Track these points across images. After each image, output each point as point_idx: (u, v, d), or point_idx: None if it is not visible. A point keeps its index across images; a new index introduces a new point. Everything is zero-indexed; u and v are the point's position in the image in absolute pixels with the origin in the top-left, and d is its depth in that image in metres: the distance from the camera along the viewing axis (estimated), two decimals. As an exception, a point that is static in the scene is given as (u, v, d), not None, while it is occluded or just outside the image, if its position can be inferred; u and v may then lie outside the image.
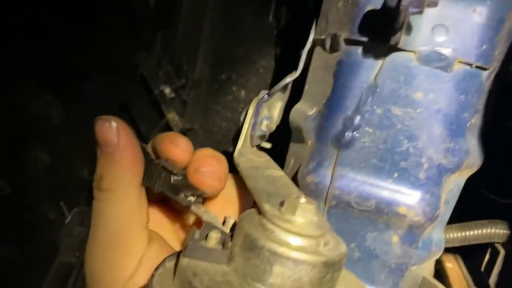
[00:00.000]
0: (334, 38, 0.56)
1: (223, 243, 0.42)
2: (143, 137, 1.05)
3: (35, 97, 0.93)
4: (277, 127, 0.72)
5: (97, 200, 0.50)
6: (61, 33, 0.92)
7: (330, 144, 0.56)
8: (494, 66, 0.53)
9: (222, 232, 0.44)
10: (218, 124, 1.11)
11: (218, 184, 0.52)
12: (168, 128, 1.02)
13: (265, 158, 0.63)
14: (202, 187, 0.52)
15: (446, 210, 0.60)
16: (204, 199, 0.53)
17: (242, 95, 1.09)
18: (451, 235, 0.83)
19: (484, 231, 0.82)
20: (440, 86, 0.52)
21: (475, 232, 0.82)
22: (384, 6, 0.46)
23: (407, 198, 0.54)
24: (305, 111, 0.61)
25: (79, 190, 0.89)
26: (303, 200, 0.41)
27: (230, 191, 0.56)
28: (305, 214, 0.41)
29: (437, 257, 0.62)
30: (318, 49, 0.63)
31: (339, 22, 0.56)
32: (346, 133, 0.55)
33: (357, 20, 0.53)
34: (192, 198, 0.51)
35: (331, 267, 0.39)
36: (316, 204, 0.43)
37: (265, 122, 0.63)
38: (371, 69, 0.54)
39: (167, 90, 1.02)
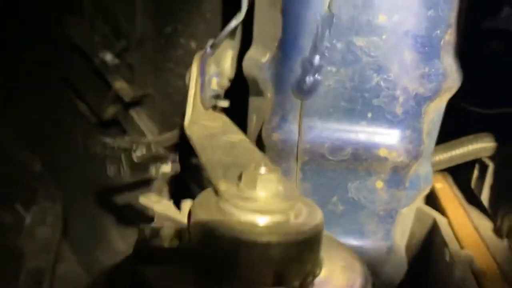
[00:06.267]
0: (274, -33, 0.47)
1: (180, 237, 0.36)
2: (94, 111, 0.96)
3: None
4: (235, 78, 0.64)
5: None
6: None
7: (292, 93, 0.49)
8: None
9: (177, 223, 0.37)
10: (174, 84, 1.02)
11: None
12: (118, 98, 0.93)
13: (222, 120, 0.55)
14: None
15: (429, 142, 0.54)
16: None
17: (192, 46, 0.99)
18: (436, 158, 0.79)
19: (471, 147, 0.77)
20: (404, 3, 0.44)
21: (461, 150, 0.78)
22: None
23: (386, 138, 0.48)
24: (258, 59, 0.53)
25: (35, 186, 0.81)
26: (262, 170, 0.35)
27: None
28: (267, 186, 0.34)
29: (427, 191, 0.57)
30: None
31: None
32: (307, 78, 0.47)
33: None
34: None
35: (308, 241, 0.33)
36: (278, 172, 0.36)
37: (214, 80, 0.55)
38: (323, -3, 0.45)
39: (108, 57, 0.91)
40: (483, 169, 0.80)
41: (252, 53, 0.56)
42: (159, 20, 0.98)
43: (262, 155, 0.44)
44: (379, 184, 0.50)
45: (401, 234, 0.55)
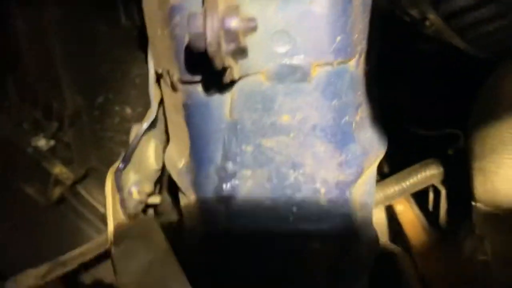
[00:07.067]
0: (169, 76, 0.45)
1: None
2: (35, 202, 0.92)
3: None
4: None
5: None
6: None
7: (213, 199, 0.47)
8: (360, 49, 0.43)
9: None
10: (117, 152, 0.99)
11: None
12: (60, 183, 0.89)
13: (150, 231, 0.52)
14: None
15: (367, 211, 0.53)
16: None
17: (128, 112, 0.96)
18: (388, 192, 0.78)
19: (419, 176, 0.76)
20: (305, 100, 0.42)
21: (411, 180, 0.77)
22: (197, 51, 0.34)
23: (316, 230, 0.46)
24: (176, 162, 0.51)
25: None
26: None
27: None
28: None
29: (375, 255, 0.56)
30: (164, 83, 0.51)
31: (167, 57, 0.44)
32: (224, 186, 0.45)
33: (181, 56, 0.41)
34: None
35: None
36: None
37: (135, 190, 0.53)
38: (222, 106, 0.43)
39: (41, 142, 0.87)
40: (437, 193, 0.79)
41: (171, 152, 0.53)
42: (89, 92, 0.95)
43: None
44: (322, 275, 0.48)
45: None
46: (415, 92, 0.87)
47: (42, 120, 0.90)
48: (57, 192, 0.95)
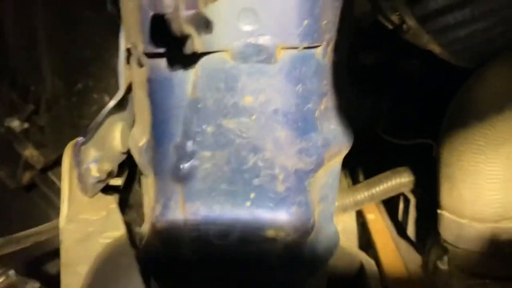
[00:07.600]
0: (135, 50, 0.45)
1: None
2: (5, 186, 0.91)
3: None
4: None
5: None
6: None
7: (170, 179, 0.46)
8: (327, 38, 0.43)
9: None
10: (92, 140, 0.97)
11: None
12: (30, 166, 0.88)
13: (106, 210, 0.52)
14: None
15: (327, 205, 0.52)
16: None
17: (106, 101, 0.95)
18: (358, 197, 0.78)
19: (390, 183, 0.76)
20: (268, 82, 0.42)
21: (381, 187, 0.77)
22: (154, 12, 0.34)
23: (272, 218, 0.45)
24: (138, 141, 0.50)
25: None
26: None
27: None
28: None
29: (335, 252, 0.55)
30: (133, 61, 0.51)
31: (135, 30, 0.44)
32: (181, 165, 0.45)
33: (146, 26, 0.41)
34: None
35: None
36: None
37: (94, 167, 0.51)
38: (185, 82, 0.43)
39: (15, 124, 0.86)
40: (407, 202, 0.79)
41: (134, 132, 0.53)
42: (69, 78, 0.94)
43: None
44: (276, 264, 0.47)
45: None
46: (392, 102, 0.88)
47: (18, 102, 0.89)
48: (27, 176, 0.93)
